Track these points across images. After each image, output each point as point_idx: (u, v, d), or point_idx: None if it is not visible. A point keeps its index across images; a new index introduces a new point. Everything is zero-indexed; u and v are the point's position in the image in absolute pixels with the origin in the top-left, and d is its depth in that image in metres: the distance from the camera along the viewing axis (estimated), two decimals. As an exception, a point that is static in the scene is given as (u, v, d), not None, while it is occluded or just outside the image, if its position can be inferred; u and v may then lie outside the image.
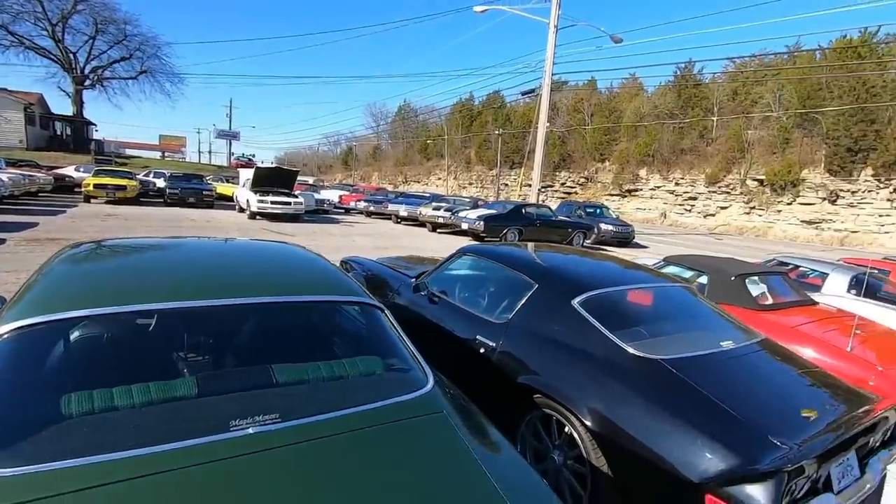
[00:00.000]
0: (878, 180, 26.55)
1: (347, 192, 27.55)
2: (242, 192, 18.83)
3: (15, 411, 1.34)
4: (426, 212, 18.63)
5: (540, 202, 19.57)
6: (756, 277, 4.72)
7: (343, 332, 2.22)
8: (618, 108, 41.01)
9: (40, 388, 1.51)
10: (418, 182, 60.19)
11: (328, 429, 1.46)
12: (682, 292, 3.35)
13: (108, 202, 18.92)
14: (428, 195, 24.76)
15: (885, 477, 2.59)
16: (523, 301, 3.05)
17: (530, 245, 4.10)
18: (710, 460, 1.94)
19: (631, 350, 2.50)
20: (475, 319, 3.26)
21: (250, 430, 1.39)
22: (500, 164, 44.01)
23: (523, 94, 27.13)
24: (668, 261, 5.26)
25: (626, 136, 38.86)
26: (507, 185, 45.70)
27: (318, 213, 22.07)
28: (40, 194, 19.84)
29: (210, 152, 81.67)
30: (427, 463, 1.47)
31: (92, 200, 18.67)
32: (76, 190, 23.07)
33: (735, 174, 32.48)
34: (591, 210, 19.41)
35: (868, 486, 2.24)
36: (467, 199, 21.52)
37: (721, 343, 2.72)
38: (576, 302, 2.80)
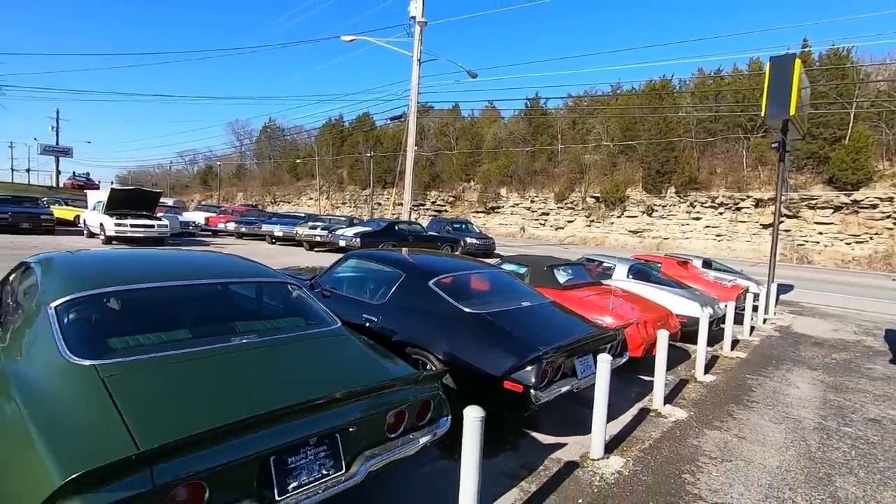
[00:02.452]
0: (679, 196, 33.21)
1: (215, 214, 26.36)
2: (94, 216, 17.31)
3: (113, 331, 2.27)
4: (303, 231, 19.00)
5: (412, 220, 21.15)
6: (563, 268, 6.56)
7: (275, 302, 3.19)
8: (479, 132, 45.06)
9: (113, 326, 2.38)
10: (288, 202, 58.62)
11: (284, 341, 2.55)
12: (503, 275, 4.87)
13: None
14: (304, 215, 24.89)
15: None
16: (395, 286, 4.26)
17: (399, 249, 5.35)
18: (503, 362, 3.33)
19: (466, 309, 3.85)
20: (361, 304, 4.37)
21: (244, 340, 2.41)
22: (372, 185, 45.24)
23: (391, 119, 28.83)
24: (504, 259, 6.94)
25: (487, 159, 42.84)
26: (380, 203, 47.02)
27: (184, 237, 21.01)
28: None
29: (29, 171, 69.78)
30: (341, 354, 2.62)
31: None
32: None
33: (577, 192, 37.83)
34: (458, 226, 21.53)
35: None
36: (343, 218, 22.24)
37: (522, 303, 4.23)
38: (431, 283, 4.09)
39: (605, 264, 8.89)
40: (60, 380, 1.91)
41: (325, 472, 1.96)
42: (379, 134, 49.72)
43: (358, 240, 16.54)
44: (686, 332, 6.55)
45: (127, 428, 1.67)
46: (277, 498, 1.80)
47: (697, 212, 32.55)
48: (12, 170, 67.26)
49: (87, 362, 1.98)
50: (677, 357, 6.56)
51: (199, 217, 24.80)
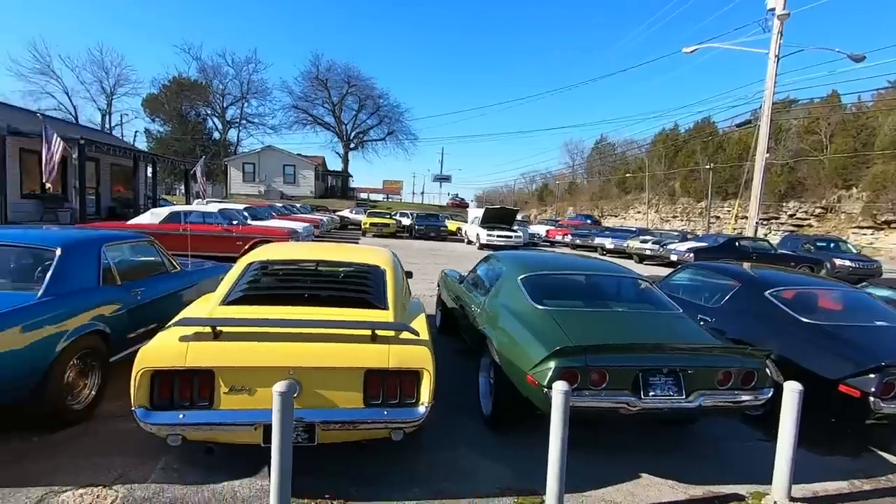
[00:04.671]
0: None
1: (553, 227, 30.17)
2: (472, 228, 23.00)
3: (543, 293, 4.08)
4: (634, 244, 19.89)
5: (761, 235, 18.94)
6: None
7: (633, 290, 4.60)
8: (869, 124, 35.02)
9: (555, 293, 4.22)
10: (615, 216, 59.50)
11: (645, 313, 3.96)
12: (861, 295, 4.80)
13: (375, 236, 25.11)
14: (635, 229, 25.67)
15: None
16: (729, 295, 4.95)
17: (729, 262, 5.94)
18: (840, 367, 3.65)
19: (804, 319, 4.24)
20: (696, 307, 5.21)
21: (619, 309, 3.90)
22: (709, 196, 41.38)
23: (738, 125, 26.13)
24: (870, 283, 6.24)
25: (880, 158, 32.89)
26: (718, 217, 42.52)
27: (530, 246, 25.14)
28: (332, 230, 27.28)
29: (423, 193, 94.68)
30: (683, 326, 3.79)
31: (366, 234, 25.03)
32: (349, 227, 30.90)
33: None
34: (823, 244, 17.96)
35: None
36: (675, 233, 21.88)
37: (876, 322, 4.22)
38: (767, 293, 4.62)
39: None
40: (532, 314, 3.77)
41: (670, 393, 3.13)
42: (721, 140, 44.93)
43: (691, 255, 16.29)
44: None
45: (567, 337, 3.31)
46: (642, 397, 3.09)
47: None
48: (413, 193, 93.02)
49: (542, 307, 3.80)
50: None
51: (541, 230, 28.99)
